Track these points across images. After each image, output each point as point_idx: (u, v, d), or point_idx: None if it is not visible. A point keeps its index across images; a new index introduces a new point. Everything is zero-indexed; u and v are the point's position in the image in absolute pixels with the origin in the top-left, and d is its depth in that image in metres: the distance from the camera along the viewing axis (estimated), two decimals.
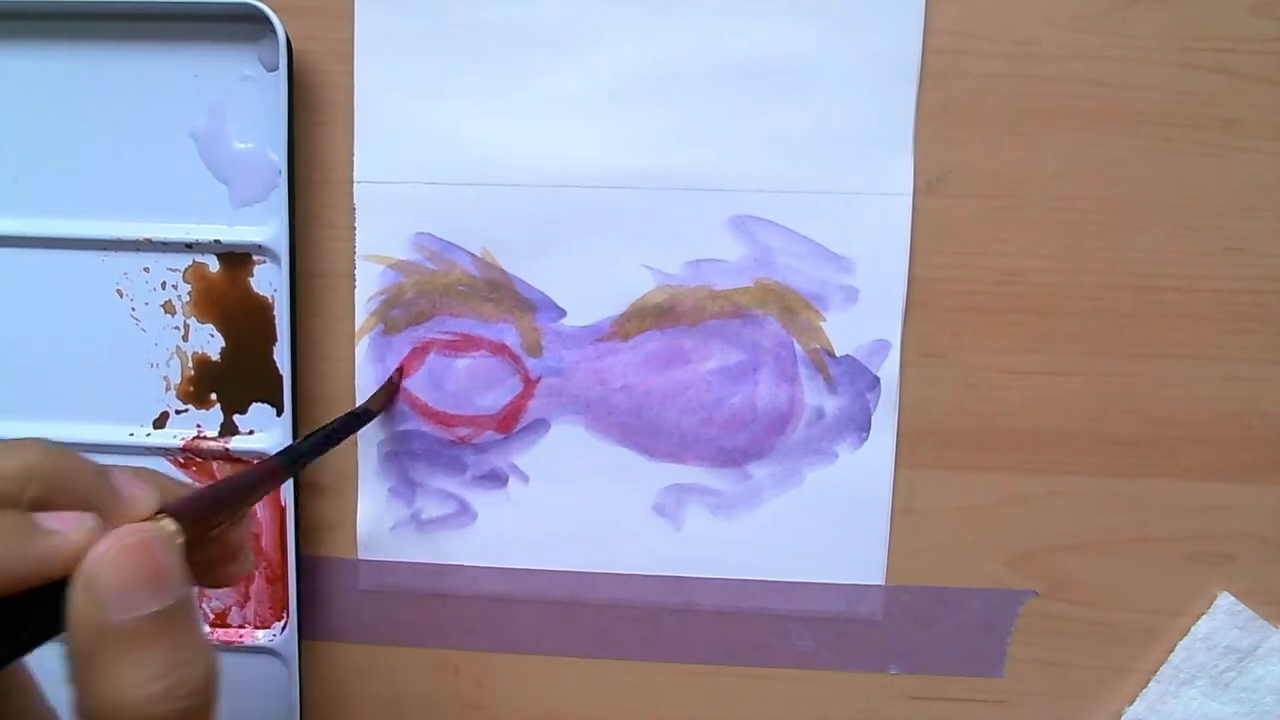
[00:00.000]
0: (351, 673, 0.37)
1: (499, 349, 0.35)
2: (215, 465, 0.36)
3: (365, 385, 0.35)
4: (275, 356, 0.35)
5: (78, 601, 0.18)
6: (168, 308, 0.36)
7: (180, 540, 0.19)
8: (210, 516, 0.21)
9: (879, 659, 0.36)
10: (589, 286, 0.35)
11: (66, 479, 0.20)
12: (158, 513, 0.20)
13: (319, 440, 0.29)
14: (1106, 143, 0.33)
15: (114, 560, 0.18)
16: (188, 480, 0.32)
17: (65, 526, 0.18)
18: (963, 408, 0.35)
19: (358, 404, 0.35)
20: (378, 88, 0.34)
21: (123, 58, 0.34)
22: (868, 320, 0.34)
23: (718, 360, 0.35)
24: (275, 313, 0.35)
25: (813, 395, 0.35)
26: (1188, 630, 0.35)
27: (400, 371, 0.35)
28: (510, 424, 0.35)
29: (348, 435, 0.31)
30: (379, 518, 0.36)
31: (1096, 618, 0.35)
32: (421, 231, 0.35)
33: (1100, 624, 0.35)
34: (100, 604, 0.18)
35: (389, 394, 0.35)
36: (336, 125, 0.35)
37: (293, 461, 0.26)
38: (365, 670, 0.37)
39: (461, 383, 0.35)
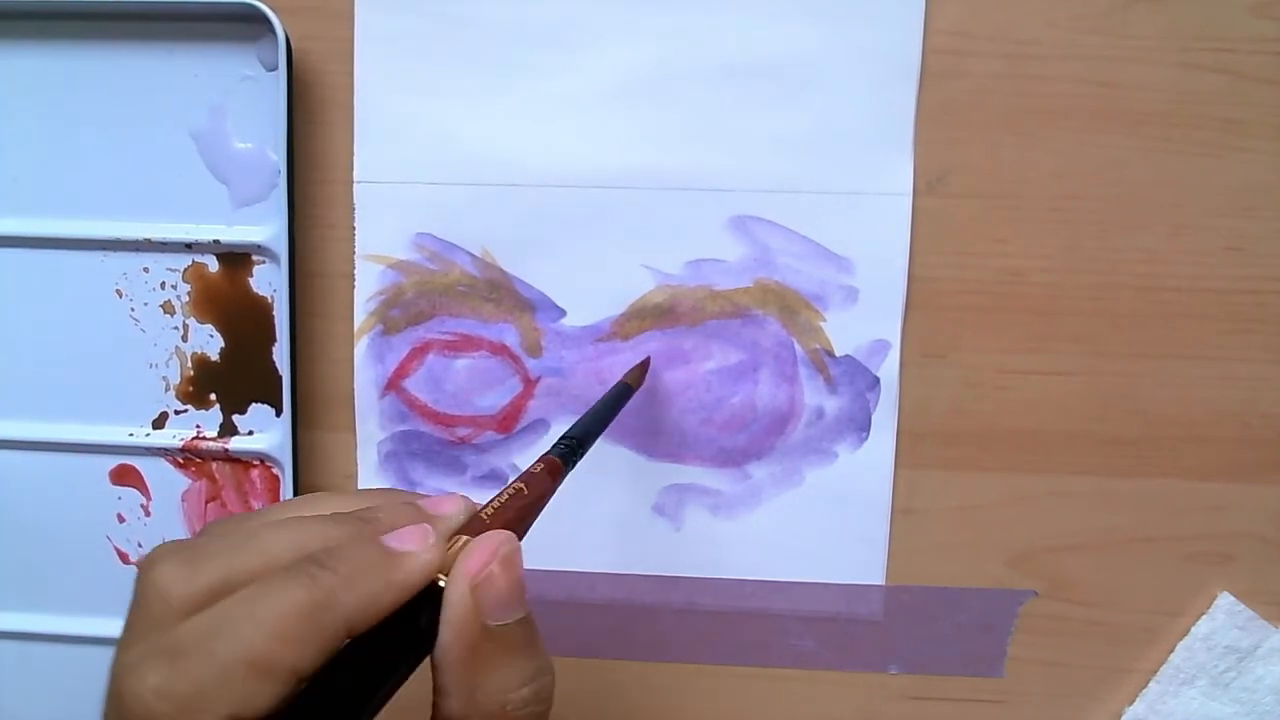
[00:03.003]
0: None
1: (499, 349, 0.35)
2: (214, 466, 0.36)
3: (364, 385, 0.35)
4: (274, 357, 0.35)
5: (459, 609, 0.19)
6: (167, 308, 0.36)
7: None
8: (518, 528, 0.21)
9: (879, 659, 0.36)
10: (589, 286, 0.35)
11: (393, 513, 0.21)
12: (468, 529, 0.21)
13: (592, 422, 0.28)
14: (1106, 143, 0.33)
15: (495, 570, 0.19)
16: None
17: (414, 546, 0.19)
18: (963, 408, 0.35)
19: (357, 404, 0.35)
20: (378, 88, 0.34)
21: (123, 58, 0.34)
22: (868, 320, 0.34)
23: (718, 360, 0.35)
24: (275, 313, 0.35)
25: (813, 395, 0.35)
26: (1188, 630, 0.35)
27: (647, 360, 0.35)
28: (510, 424, 0.35)
29: (615, 414, 0.30)
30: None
31: (1096, 618, 0.35)
32: (421, 231, 0.35)
33: (1100, 624, 0.35)
34: (480, 611, 0.19)
35: (644, 370, 0.34)
36: (336, 125, 0.35)
37: (572, 452, 0.26)
38: None
39: (461, 383, 0.35)
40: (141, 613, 0.18)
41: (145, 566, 0.19)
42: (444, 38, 0.34)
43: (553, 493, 0.24)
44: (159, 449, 0.36)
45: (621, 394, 0.31)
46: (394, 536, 0.19)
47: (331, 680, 0.18)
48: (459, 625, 0.19)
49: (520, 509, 0.22)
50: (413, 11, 0.34)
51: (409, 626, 0.19)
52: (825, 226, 0.34)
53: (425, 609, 0.19)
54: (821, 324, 0.34)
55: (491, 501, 0.22)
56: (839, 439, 0.35)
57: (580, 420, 0.28)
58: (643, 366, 0.34)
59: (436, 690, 0.19)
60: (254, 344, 0.35)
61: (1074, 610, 0.35)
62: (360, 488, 0.36)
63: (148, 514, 0.36)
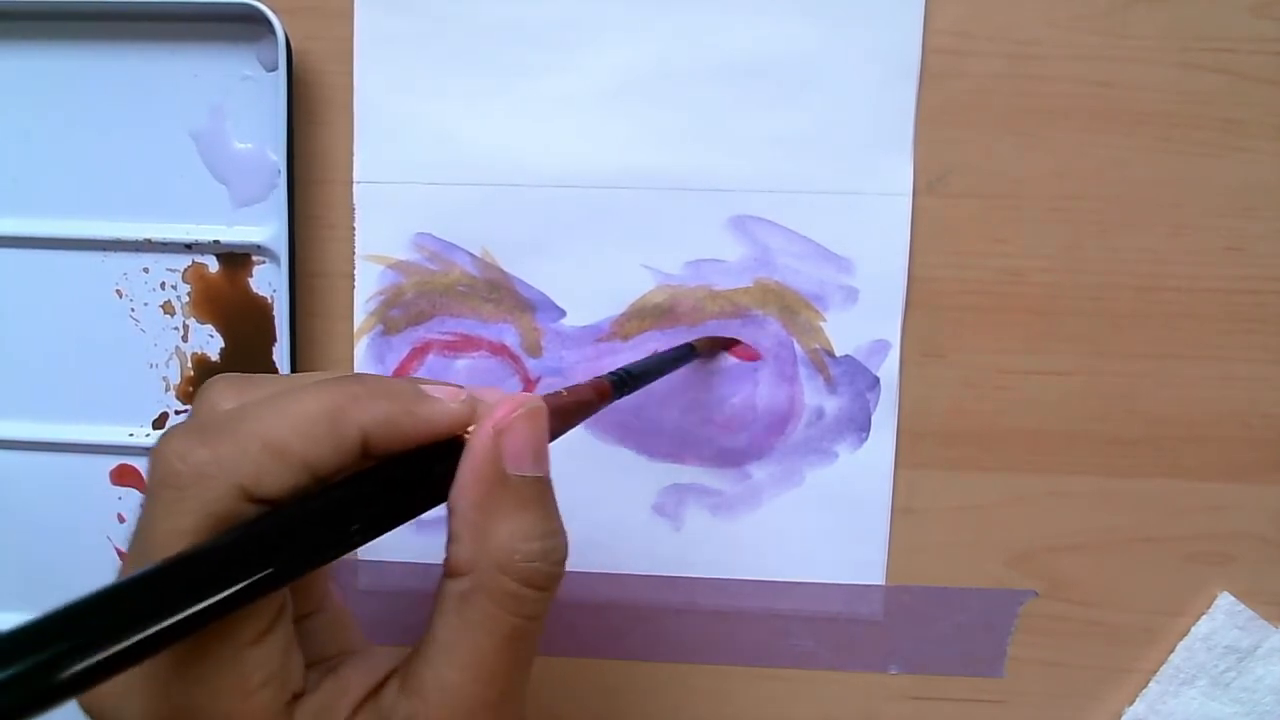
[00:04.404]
0: None
1: (499, 349, 0.35)
2: None
3: None
4: (275, 357, 0.35)
5: (480, 454, 0.20)
6: (167, 308, 0.36)
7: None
8: (555, 422, 0.22)
9: (879, 659, 0.36)
10: (589, 286, 0.35)
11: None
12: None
13: (649, 366, 0.29)
14: (1106, 143, 0.33)
15: (518, 421, 0.20)
16: None
17: (446, 397, 0.20)
18: (963, 408, 0.35)
19: None
20: (378, 88, 0.34)
21: (123, 58, 0.34)
22: (868, 320, 0.34)
23: (718, 360, 0.35)
24: (275, 313, 0.35)
25: (813, 395, 0.35)
26: (1188, 630, 0.35)
27: (731, 342, 0.35)
28: None
29: (673, 368, 0.31)
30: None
31: (1096, 618, 0.35)
32: (421, 231, 0.35)
33: (1100, 624, 0.35)
34: (502, 458, 0.20)
35: (719, 344, 0.34)
36: (336, 125, 0.35)
37: (622, 382, 0.26)
38: None
39: (461, 383, 0.35)
40: (191, 416, 0.20)
41: (204, 387, 0.20)
42: (444, 38, 0.34)
43: (594, 410, 0.25)
44: None
45: (683, 354, 0.32)
46: (431, 386, 0.20)
47: (344, 491, 0.18)
48: (478, 466, 0.19)
49: (557, 405, 0.22)
50: (413, 11, 0.34)
51: (429, 468, 0.20)
52: (825, 226, 0.34)
53: (447, 458, 0.20)
54: (821, 324, 0.34)
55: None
56: (839, 439, 0.35)
57: (639, 361, 0.29)
58: (719, 342, 0.34)
59: (450, 537, 0.20)
60: (254, 344, 0.35)
61: (1074, 610, 0.35)
62: None
63: None
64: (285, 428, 0.18)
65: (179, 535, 0.17)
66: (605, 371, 0.34)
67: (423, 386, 0.20)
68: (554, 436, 0.22)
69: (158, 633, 0.15)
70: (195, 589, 0.16)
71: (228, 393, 0.20)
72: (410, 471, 0.19)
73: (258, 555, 0.17)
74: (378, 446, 0.19)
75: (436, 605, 0.20)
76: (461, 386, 0.21)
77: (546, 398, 0.22)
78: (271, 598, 0.18)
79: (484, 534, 0.19)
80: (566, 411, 0.23)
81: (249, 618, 0.18)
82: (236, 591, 0.16)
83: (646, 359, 0.29)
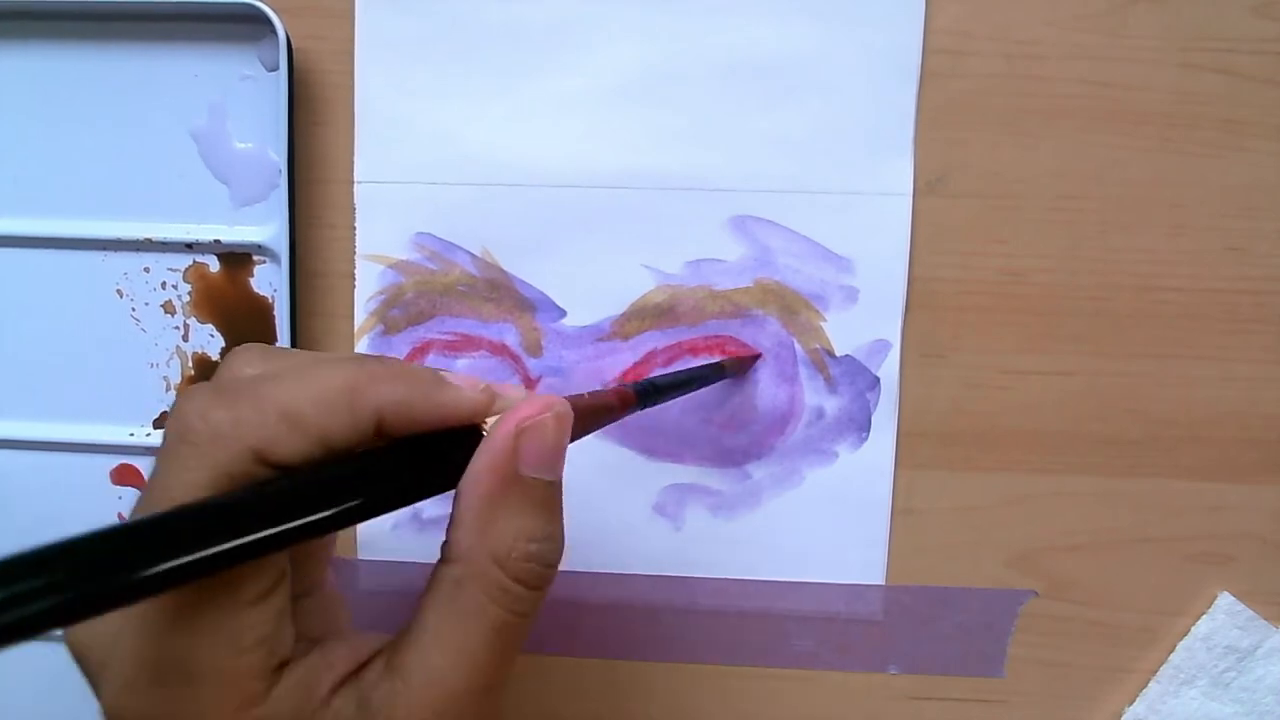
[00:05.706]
0: None
1: (499, 349, 0.35)
2: None
3: None
4: None
5: (499, 450, 0.20)
6: (168, 308, 0.36)
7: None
8: (575, 426, 0.22)
9: (879, 659, 0.36)
10: (589, 286, 0.35)
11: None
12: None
13: (675, 381, 0.29)
14: (1106, 143, 0.33)
15: (545, 423, 0.20)
16: None
17: (465, 386, 0.21)
18: (963, 408, 0.35)
19: None
20: (378, 88, 0.34)
21: (123, 58, 0.34)
22: (868, 320, 0.34)
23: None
24: (275, 313, 0.35)
25: (813, 395, 0.35)
26: (1188, 630, 0.35)
27: (757, 356, 0.35)
28: None
29: (700, 386, 0.31)
30: (379, 517, 0.36)
31: (1096, 618, 0.35)
32: (421, 231, 0.35)
33: (1100, 624, 0.35)
34: (519, 457, 0.20)
35: (747, 363, 0.34)
36: (336, 125, 0.35)
37: (646, 394, 0.27)
38: None
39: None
40: (214, 378, 0.20)
41: (230, 353, 0.21)
42: (444, 37, 0.34)
43: (614, 417, 0.25)
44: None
45: (714, 370, 0.32)
46: (451, 375, 0.21)
47: (355, 465, 0.19)
48: (495, 460, 0.20)
49: (580, 406, 0.22)
50: (413, 12, 0.34)
51: (441, 453, 0.20)
52: (825, 226, 0.34)
53: (460, 447, 0.20)
54: (821, 324, 0.34)
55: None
56: (839, 439, 0.35)
57: (665, 374, 0.29)
58: (747, 360, 0.34)
59: (453, 522, 0.20)
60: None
61: (1074, 610, 0.35)
62: None
63: None
64: (303, 398, 0.18)
65: (192, 488, 0.17)
66: (616, 372, 0.34)
67: (443, 373, 0.21)
68: (572, 439, 0.22)
69: (162, 572, 0.15)
70: (203, 536, 0.16)
71: (253, 360, 0.20)
72: (421, 455, 0.20)
73: (267, 514, 0.17)
74: (392, 427, 0.19)
75: (429, 590, 0.20)
76: (480, 380, 0.22)
77: (569, 397, 0.22)
78: (273, 562, 0.18)
79: (487, 526, 0.20)
80: (586, 415, 0.23)
81: (250, 578, 0.18)
82: (242, 545, 0.16)
83: (673, 373, 0.29)
